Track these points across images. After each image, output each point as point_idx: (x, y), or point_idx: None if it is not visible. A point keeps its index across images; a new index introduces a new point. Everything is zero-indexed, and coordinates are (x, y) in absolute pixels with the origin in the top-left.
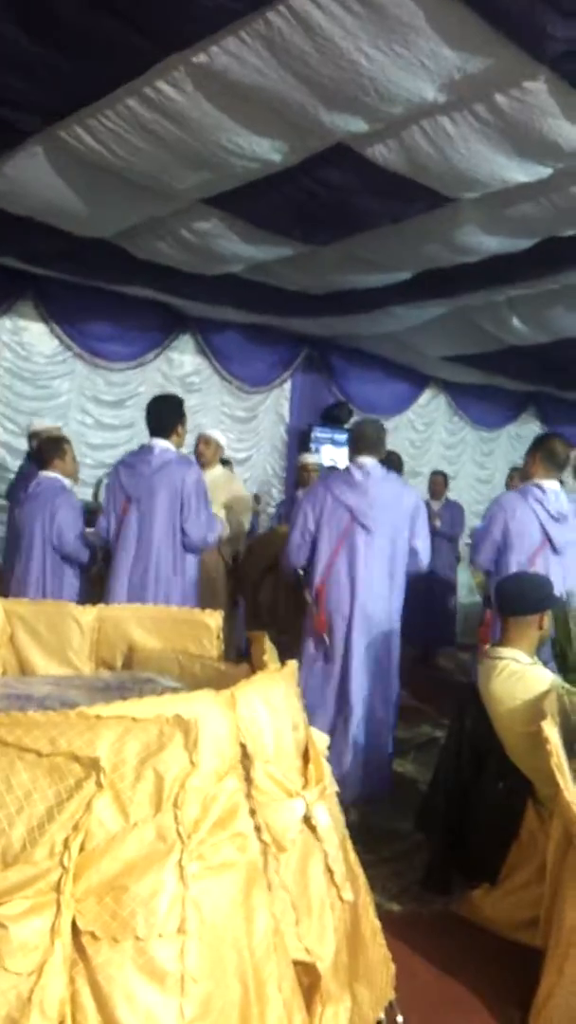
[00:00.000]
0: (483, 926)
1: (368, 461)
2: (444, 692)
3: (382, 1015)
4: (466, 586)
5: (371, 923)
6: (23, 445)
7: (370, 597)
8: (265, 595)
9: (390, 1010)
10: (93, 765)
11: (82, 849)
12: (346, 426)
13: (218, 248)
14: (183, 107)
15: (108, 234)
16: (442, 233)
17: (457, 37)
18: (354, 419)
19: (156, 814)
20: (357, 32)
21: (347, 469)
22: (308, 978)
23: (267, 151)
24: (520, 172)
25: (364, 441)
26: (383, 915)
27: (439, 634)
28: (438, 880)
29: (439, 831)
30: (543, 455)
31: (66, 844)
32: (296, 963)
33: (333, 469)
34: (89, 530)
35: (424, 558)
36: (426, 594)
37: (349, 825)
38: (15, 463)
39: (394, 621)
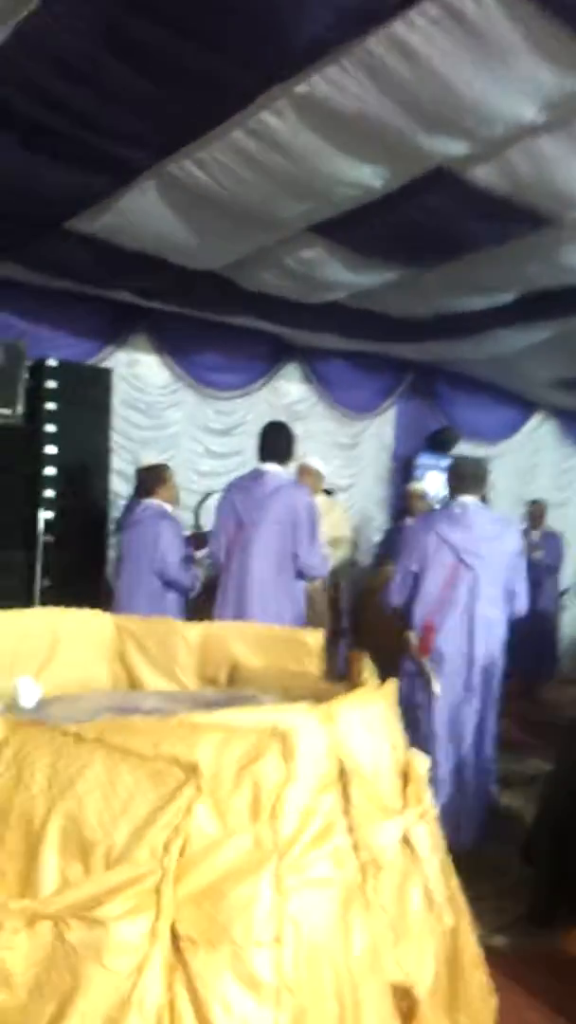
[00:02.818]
0: None
1: (469, 500)
2: (553, 726)
3: None
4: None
5: (472, 952)
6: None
7: (480, 639)
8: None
9: None
10: (193, 770)
11: (182, 854)
12: (450, 453)
13: (322, 276)
14: (286, 137)
15: (217, 266)
16: (545, 253)
17: (555, 57)
18: (455, 451)
19: (254, 823)
20: (455, 55)
21: (448, 507)
22: (406, 1003)
23: (368, 177)
24: None
25: (464, 479)
26: (487, 951)
27: (541, 668)
28: (544, 915)
29: (546, 862)
30: None
31: (166, 847)
32: (394, 987)
33: (434, 509)
34: (199, 553)
35: (524, 601)
36: (528, 627)
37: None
38: (128, 491)
39: (499, 665)
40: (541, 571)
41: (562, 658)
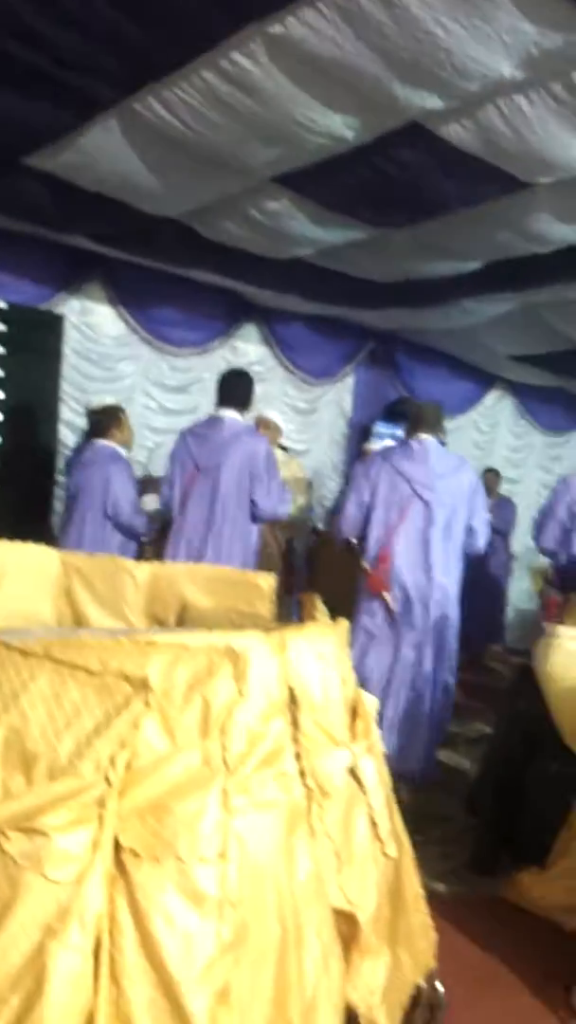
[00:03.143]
0: (530, 909)
1: (426, 437)
2: (496, 690)
3: (422, 981)
4: (525, 592)
5: (414, 888)
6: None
7: (435, 570)
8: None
9: (430, 978)
10: (143, 685)
11: (128, 768)
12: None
13: (288, 229)
14: (258, 79)
15: (178, 212)
16: (515, 220)
17: (536, 11)
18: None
19: (203, 740)
20: (435, 3)
21: (406, 442)
22: (348, 929)
23: (340, 127)
24: None
25: (423, 420)
26: (429, 895)
27: (488, 633)
28: (485, 862)
29: (488, 813)
30: None
31: (112, 760)
32: (336, 912)
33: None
34: (148, 497)
35: (482, 538)
36: (475, 591)
37: (398, 805)
38: (77, 441)
39: (455, 601)
40: (494, 532)
41: (507, 628)
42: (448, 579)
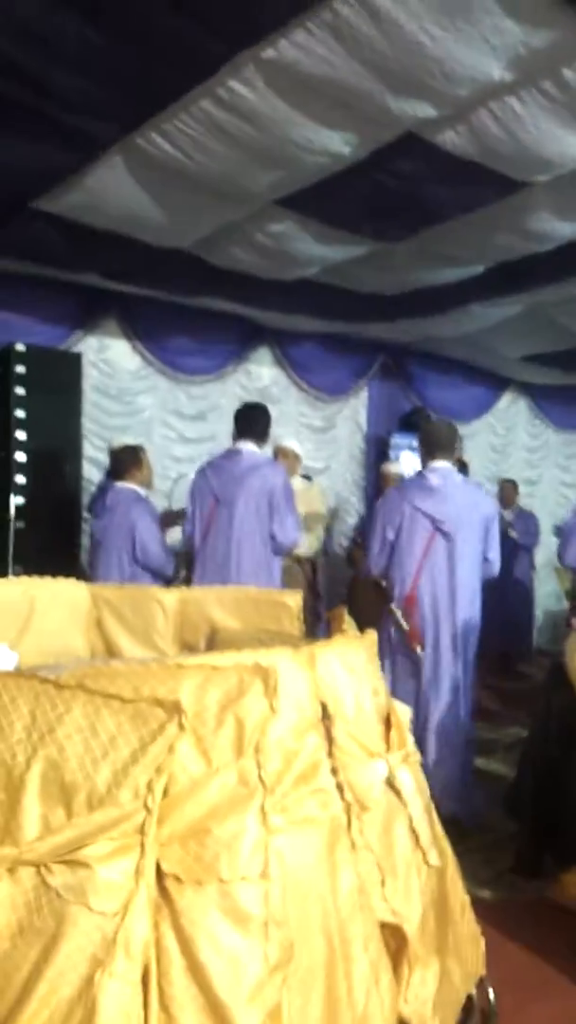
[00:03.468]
0: None
1: (442, 465)
2: (529, 695)
3: (473, 989)
4: (553, 594)
5: (460, 897)
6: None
7: (461, 607)
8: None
9: (481, 986)
10: (175, 708)
11: (166, 794)
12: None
13: (292, 250)
14: (255, 104)
15: (186, 243)
16: (515, 221)
17: (520, 10)
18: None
19: (238, 759)
20: (421, 12)
21: (422, 475)
22: (395, 941)
23: (337, 144)
24: None
25: (437, 444)
26: (474, 902)
27: (517, 643)
28: (529, 865)
29: (529, 814)
30: None
31: (150, 786)
32: (382, 925)
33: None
34: (173, 530)
35: (496, 567)
36: (503, 603)
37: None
38: (101, 478)
39: (475, 634)
40: (516, 549)
41: (538, 632)
42: (471, 612)
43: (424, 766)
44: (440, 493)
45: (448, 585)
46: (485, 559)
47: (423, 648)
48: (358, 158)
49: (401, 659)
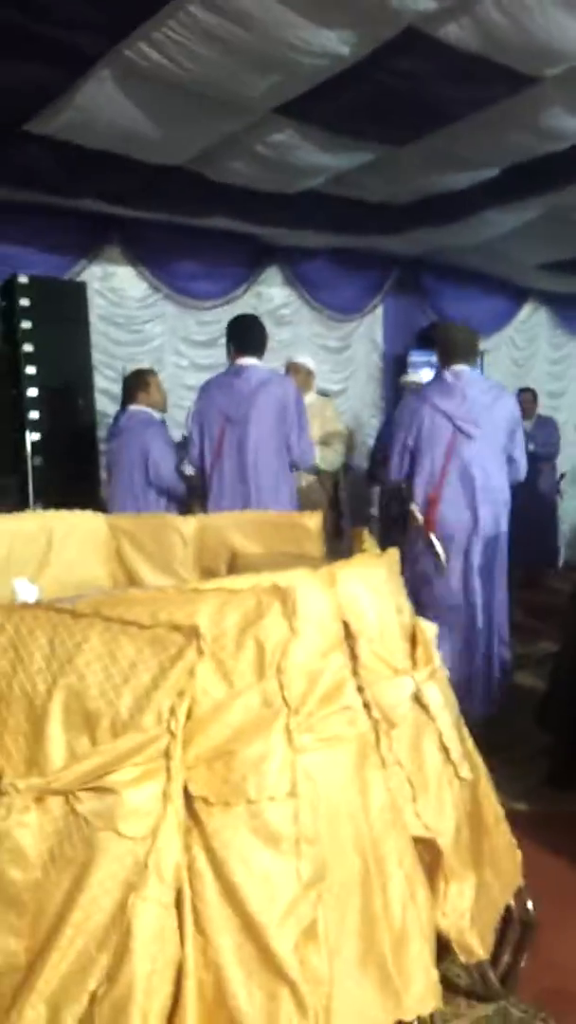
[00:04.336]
0: None
1: (461, 368)
2: (560, 610)
3: (511, 901)
4: None
5: (494, 809)
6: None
7: (487, 506)
8: None
9: (519, 896)
10: (193, 633)
11: (189, 718)
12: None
13: (295, 160)
14: (246, 6)
15: (185, 159)
16: (527, 118)
17: None
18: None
19: (260, 681)
20: None
21: (440, 376)
22: (429, 855)
23: (335, 44)
24: None
25: (456, 348)
26: (510, 815)
27: (543, 556)
28: (563, 777)
29: (561, 726)
30: None
31: (172, 711)
32: (417, 840)
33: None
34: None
35: (522, 468)
36: (526, 513)
37: (469, 731)
38: (115, 410)
39: (505, 532)
40: (537, 459)
41: (565, 547)
42: (496, 510)
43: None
44: (460, 393)
45: (472, 486)
46: (510, 459)
47: (446, 551)
48: (358, 58)
49: (426, 561)
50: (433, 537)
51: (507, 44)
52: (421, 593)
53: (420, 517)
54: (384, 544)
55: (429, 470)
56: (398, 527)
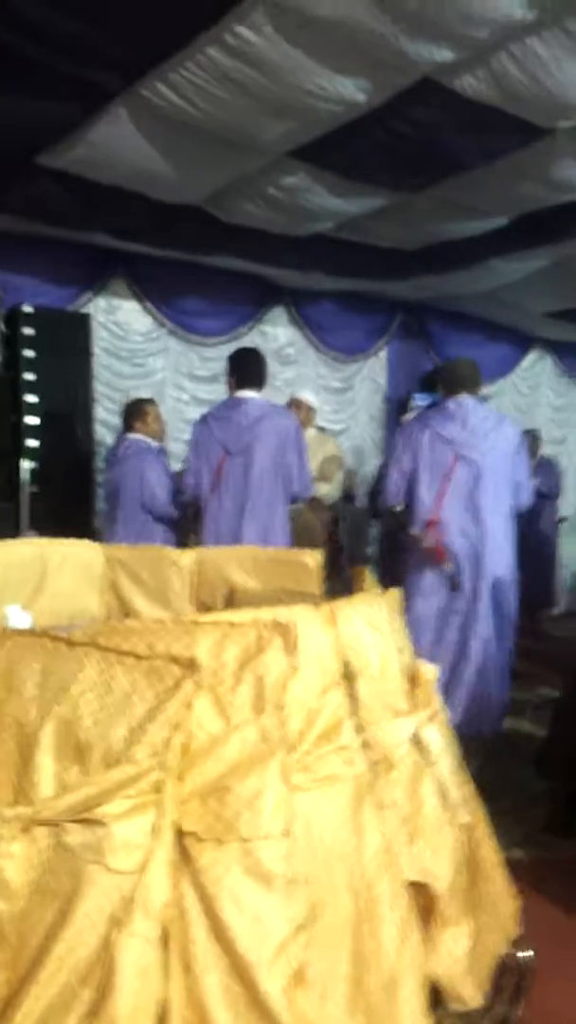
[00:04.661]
0: None
1: (464, 397)
2: (558, 655)
3: (508, 948)
4: None
5: (491, 855)
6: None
7: (487, 532)
8: None
9: (517, 944)
10: (191, 665)
11: (184, 752)
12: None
13: (307, 203)
14: (263, 51)
15: (197, 198)
16: (538, 169)
17: None
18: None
19: (258, 717)
20: None
21: (443, 405)
22: (424, 901)
23: (351, 91)
24: None
25: (458, 379)
26: (508, 862)
27: (542, 597)
28: (562, 824)
29: (561, 773)
30: None
31: (166, 744)
32: (412, 885)
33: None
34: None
35: (527, 493)
36: (524, 556)
37: (469, 775)
38: (113, 441)
39: (511, 561)
40: (540, 496)
41: (564, 592)
42: (501, 538)
43: (455, 689)
44: (462, 420)
45: (474, 512)
46: (515, 483)
47: (450, 564)
48: (373, 105)
49: (428, 588)
50: (436, 550)
51: (522, 96)
52: (422, 624)
53: (424, 537)
54: (385, 583)
55: (429, 495)
56: (400, 559)
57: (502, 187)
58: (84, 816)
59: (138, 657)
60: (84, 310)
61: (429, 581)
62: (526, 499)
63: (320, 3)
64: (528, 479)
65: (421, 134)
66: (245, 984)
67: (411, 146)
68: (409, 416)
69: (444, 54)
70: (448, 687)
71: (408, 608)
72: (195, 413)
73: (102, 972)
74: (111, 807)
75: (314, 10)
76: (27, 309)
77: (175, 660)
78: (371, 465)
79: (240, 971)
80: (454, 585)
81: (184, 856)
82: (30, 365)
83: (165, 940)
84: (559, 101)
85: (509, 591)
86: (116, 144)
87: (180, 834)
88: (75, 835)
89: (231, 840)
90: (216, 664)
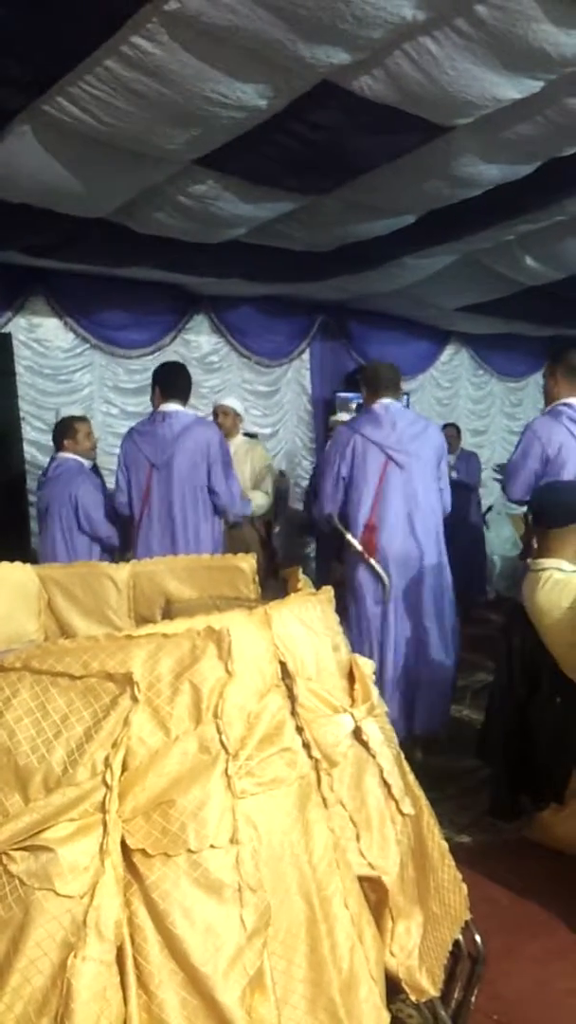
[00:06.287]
0: (556, 847)
1: (389, 401)
2: (492, 641)
3: (459, 935)
4: (510, 540)
5: (438, 844)
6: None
7: (420, 533)
8: None
9: (467, 931)
10: (127, 680)
11: (125, 768)
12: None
13: (218, 211)
14: (161, 60)
15: (107, 211)
16: (441, 166)
17: None
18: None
19: (197, 726)
20: None
21: (369, 410)
22: (375, 894)
23: (252, 97)
24: (511, 88)
25: (381, 382)
26: (454, 848)
27: (473, 585)
28: (505, 807)
29: (501, 757)
30: (564, 371)
31: (107, 762)
32: (361, 879)
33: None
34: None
35: (448, 498)
36: (456, 547)
37: (411, 764)
38: (46, 460)
39: (444, 557)
40: (463, 488)
41: (494, 578)
42: (434, 536)
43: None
44: (390, 424)
45: (408, 513)
46: (439, 491)
47: (379, 562)
48: (275, 110)
49: (369, 588)
50: (373, 562)
51: (419, 95)
52: (362, 624)
53: (358, 544)
54: (322, 583)
55: (364, 499)
56: (337, 562)
57: (407, 186)
58: (28, 843)
59: (73, 677)
60: (4, 330)
61: (368, 581)
62: (447, 504)
63: (216, 13)
64: (448, 486)
65: (324, 136)
66: (202, 996)
67: (315, 149)
68: (339, 417)
69: (340, 56)
70: (396, 685)
71: (356, 609)
72: (125, 426)
73: (59, 999)
74: (55, 831)
75: (209, 19)
76: None
77: (110, 677)
78: (302, 466)
79: (196, 984)
80: (384, 584)
81: (133, 873)
82: None
83: (120, 960)
84: (456, 99)
85: (447, 586)
86: (22, 161)
87: (128, 851)
88: (21, 863)
89: (178, 853)
90: (152, 677)
